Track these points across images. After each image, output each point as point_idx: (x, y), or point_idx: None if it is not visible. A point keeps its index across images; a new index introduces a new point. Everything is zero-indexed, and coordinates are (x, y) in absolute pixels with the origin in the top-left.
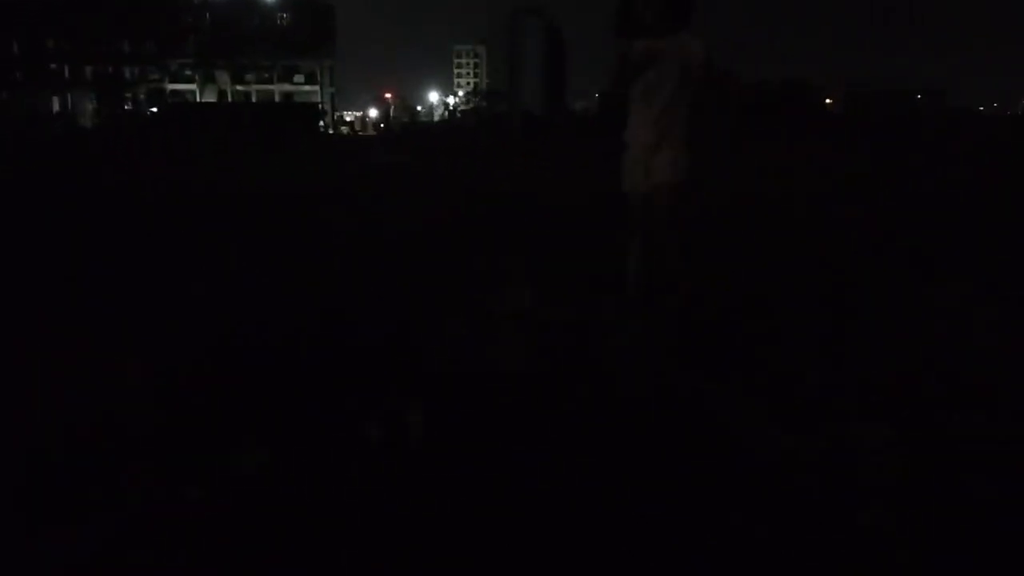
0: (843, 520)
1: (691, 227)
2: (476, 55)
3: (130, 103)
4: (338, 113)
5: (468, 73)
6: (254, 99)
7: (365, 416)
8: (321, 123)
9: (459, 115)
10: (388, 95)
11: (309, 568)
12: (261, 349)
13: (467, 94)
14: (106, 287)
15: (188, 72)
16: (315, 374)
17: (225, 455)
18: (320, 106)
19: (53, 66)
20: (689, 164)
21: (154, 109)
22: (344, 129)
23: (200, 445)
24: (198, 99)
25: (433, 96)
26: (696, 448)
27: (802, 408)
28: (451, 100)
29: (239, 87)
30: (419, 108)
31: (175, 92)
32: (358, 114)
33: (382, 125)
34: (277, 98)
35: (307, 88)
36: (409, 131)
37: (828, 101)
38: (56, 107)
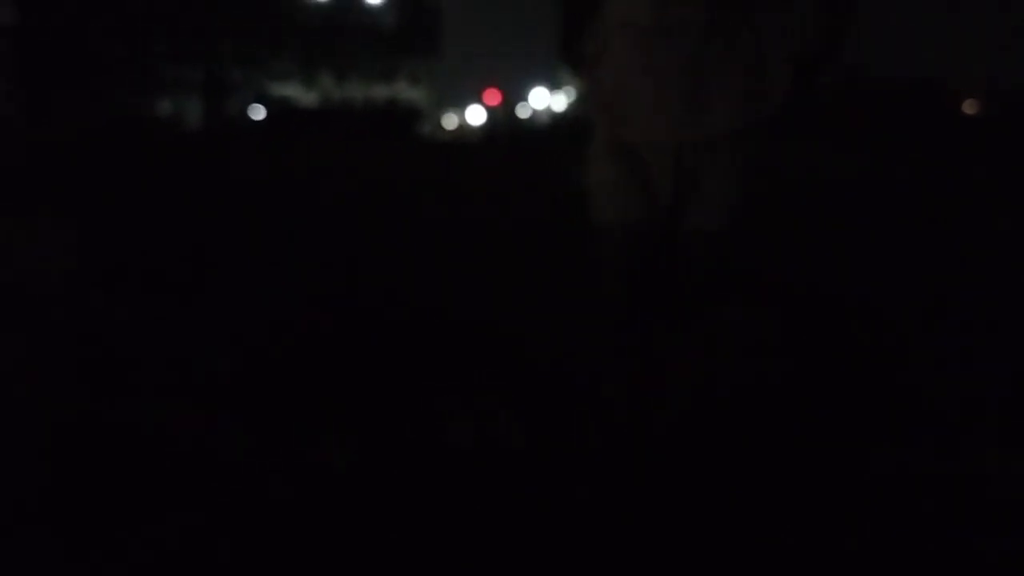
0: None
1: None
2: None
3: (237, 107)
4: (444, 114)
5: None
6: (357, 103)
7: (457, 416)
8: (418, 128)
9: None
10: (491, 97)
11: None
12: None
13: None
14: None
15: (290, 75)
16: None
17: (312, 450)
18: (419, 111)
19: (157, 68)
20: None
21: (261, 115)
22: (444, 136)
23: (283, 440)
24: (300, 103)
25: (537, 95)
26: (807, 465)
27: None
28: (554, 103)
29: (341, 90)
30: (522, 113)
31: (280, 98)
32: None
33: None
34: (378, 102)
35: (410, 92)
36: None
37: (967, 105)
38: (162, 111)
